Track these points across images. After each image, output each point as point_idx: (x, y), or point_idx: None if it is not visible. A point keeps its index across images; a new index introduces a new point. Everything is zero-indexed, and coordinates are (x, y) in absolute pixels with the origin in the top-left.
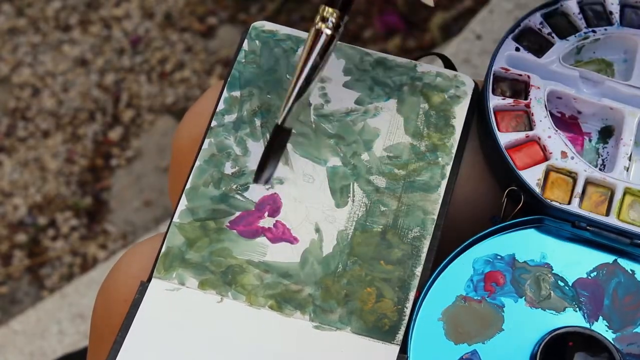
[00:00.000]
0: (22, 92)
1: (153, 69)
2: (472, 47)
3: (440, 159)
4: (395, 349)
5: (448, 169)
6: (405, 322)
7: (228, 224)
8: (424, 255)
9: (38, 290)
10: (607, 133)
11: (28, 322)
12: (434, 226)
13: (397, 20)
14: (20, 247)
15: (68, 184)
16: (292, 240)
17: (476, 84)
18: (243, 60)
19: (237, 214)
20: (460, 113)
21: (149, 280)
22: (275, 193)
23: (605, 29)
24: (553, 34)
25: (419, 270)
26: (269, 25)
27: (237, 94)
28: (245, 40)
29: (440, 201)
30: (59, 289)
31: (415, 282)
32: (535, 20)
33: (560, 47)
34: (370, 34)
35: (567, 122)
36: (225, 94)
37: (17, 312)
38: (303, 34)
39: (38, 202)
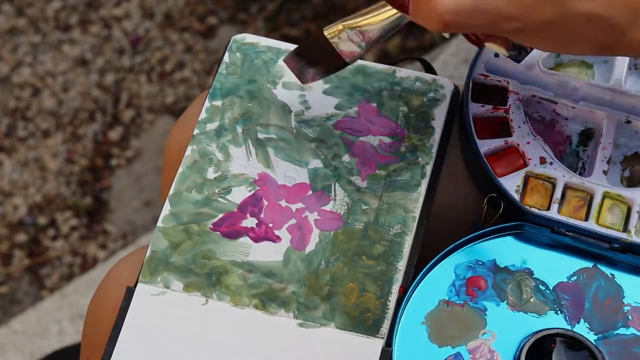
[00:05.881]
0: (22, 92)
1: (153, 69)
2: (472, 47)
3: (420, 159)
4: (379, 343)
5: (428, 168)
6: (388, 315)
7: (211, 226)
8: (405, 251)
9: (38, 290)
10: (587, 136)
11: (28, 322)
12: (415, 223)
13: None
14: (20, 247)
15: (68, 184)
16: (275, 239)
17: (456, 87)
18: (224, 72)
19: (220, 215)
20: (439, 115)
21: (136, 285)
22: (257, 194)
23: None
24: None
25: (401, 265)
26: (250, 38)
27: (218, 103)
28: (227, 53)
29: (421, 199)
30: (59, 289)
31: (398, 276)
32: None
33: (540, 51)
34: None
35: (547, 126)
36: (207, 103)
37: (17, 312)
38: (283, 45)
39: (38, 202)
